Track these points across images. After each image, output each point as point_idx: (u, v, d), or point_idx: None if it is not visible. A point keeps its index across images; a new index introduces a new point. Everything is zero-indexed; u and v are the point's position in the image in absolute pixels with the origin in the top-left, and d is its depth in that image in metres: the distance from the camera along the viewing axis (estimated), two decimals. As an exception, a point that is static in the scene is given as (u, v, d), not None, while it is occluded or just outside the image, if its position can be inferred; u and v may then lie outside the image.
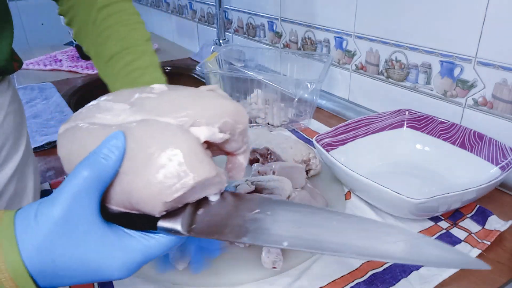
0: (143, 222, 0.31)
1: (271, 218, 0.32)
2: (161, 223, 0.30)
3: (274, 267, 0.49)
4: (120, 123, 0.32)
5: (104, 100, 0.35)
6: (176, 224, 0.30)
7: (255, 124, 0.90)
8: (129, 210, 0.31)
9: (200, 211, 0.33)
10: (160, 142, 0.29)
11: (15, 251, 0.28)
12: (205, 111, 0.31)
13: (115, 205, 0.31)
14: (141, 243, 0.30)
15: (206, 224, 0.32)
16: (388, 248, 0.30)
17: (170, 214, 0.31)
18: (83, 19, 0.56)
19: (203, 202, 0.33)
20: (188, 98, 0.33)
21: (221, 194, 0.34)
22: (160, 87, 0.35)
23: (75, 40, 0.60)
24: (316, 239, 0.31)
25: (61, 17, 0.59)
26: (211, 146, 0.33)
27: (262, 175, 0.59)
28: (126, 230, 0.31)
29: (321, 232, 0.31)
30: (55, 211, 0.29)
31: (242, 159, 0.36)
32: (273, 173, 0.59)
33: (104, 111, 0.34)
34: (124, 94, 0.35)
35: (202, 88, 0.36)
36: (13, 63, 0.55)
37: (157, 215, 0.30)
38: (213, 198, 0.33)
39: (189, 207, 0.32)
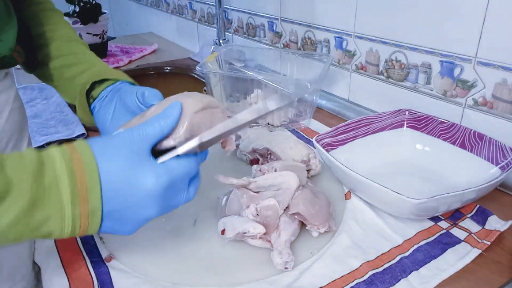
0: (168, 151, 0.42)
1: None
2: (181, 149, 0.42)
3: (286, 268, 0.49)
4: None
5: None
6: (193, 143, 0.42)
7: (255, 124, 0.90)
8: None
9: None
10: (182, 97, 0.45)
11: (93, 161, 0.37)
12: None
13: None
14: (167, 163, 0.40)
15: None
16: None
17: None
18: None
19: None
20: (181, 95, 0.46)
21: None
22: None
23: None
24: None
25: None
26: None
27: (264, 173, 0.59)
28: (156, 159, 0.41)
29: None
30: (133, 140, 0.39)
31: None
32: (275, 170, 0.59)
33: None
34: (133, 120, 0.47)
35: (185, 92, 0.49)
36: (15, 56, 0.55)
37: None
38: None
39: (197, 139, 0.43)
